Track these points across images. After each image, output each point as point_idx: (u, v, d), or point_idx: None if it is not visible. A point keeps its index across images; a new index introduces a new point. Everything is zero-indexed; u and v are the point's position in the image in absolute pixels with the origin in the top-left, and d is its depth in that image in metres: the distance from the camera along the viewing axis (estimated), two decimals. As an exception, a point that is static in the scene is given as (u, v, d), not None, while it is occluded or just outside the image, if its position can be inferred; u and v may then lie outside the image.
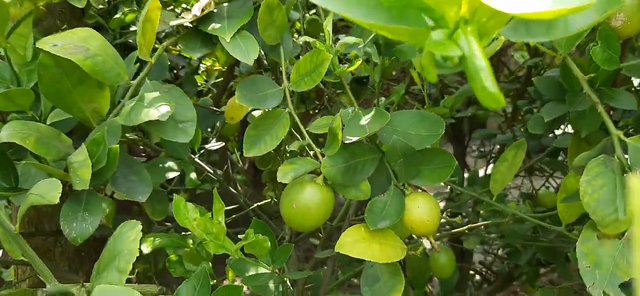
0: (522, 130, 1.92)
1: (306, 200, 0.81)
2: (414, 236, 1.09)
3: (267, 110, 0.85)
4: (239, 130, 1.47)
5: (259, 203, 1.44)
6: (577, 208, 0.98)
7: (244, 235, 0.79)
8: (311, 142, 0.83)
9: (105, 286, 0.68)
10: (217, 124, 1.32)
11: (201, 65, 2.35)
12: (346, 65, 0.83)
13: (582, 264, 0.68)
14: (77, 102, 0.77)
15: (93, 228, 0.75)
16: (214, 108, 1.31)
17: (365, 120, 0.83)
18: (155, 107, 0.75)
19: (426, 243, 0.90)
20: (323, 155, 0.83)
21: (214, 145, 1.24)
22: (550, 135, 2.11)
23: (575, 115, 1.00)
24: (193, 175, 1.09)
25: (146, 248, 0.92)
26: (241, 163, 1.91)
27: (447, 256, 1.38)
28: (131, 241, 0.70)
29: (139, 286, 0.82)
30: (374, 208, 0.83)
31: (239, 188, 1.73)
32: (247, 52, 0.78)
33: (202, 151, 1.25)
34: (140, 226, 0.69)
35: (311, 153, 0.86)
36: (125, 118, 0.76)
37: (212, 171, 1.75)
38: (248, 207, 1.53)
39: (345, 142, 0.80)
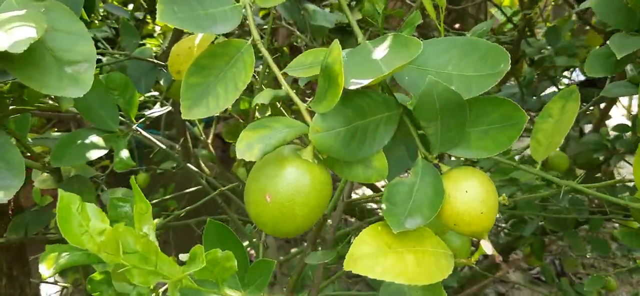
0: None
1: (287, 187, 0.47)
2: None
3: (216, 40, 0.50)
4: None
5: (227, 187, 1.09)
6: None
7: (188, 255, 0.44)
8: (291, 92, 0.48)
9: None
10: (162, 82, 0.97)
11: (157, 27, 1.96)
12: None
13: None
14: None
15: None
16: (156, 62, 0.95)
17: (378, 53, 0.49)
18: (5, 30, 0.39)
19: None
20: (311, 114, 0.48)
21: (156, 111, 0.89)
22: (548, 91, 1.81)
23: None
24: (125, 154, 0.73)
25: (47, 270, 0.57)
26: (204, 136, 1.55)
27: (461, 239, 1.06)
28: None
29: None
30: (394, 197, 0.49)
31: (203, 166, 1.38)
32: None
33: (142, 119, 0.89)
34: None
35: (303, 110, 0.51)
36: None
37: (166, 146, 1.39)
38: (214, 189, 1.17)
39: (350, 88, 0.45)
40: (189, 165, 1.31)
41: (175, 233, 1.83)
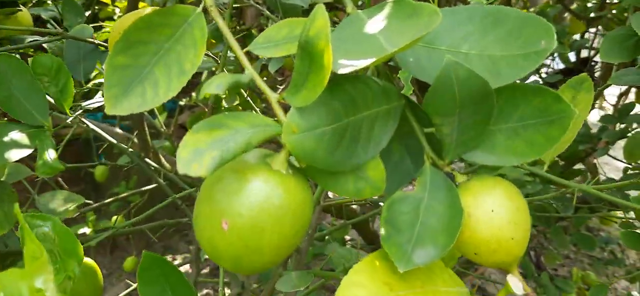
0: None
1: (252, 209, 0.33)
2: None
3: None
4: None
5: (184, 193, 0.94)
6: None
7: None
8: (257, 77, 0.34)
9: None
10: (104, 67, 0.81)
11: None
12: None
13: None
14: None
15: None
16: (98, 42, 0.80)
17: (375, 25, 0.35)
18: None
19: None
20: (286, 108, 0.34)
21: (97, 100, 0.74)
22: (531, 79, 1.71)
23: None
24: (51, 155, 0.58)
25: None
26: (165, 128, 1.39)
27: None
28: None
29: None
30: (397, 219, 0.36)
31: (163, 161, 1.23)
32: None
33: (80, 111, 0.74)
34: None
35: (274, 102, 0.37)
36: None
37: (123, 138, 1.24)
38: (174, 190, 1.03)
39: (339, 72, 0.32)
40: (147, 159, 1.16)
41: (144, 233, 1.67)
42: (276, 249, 0.34)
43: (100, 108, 1.77)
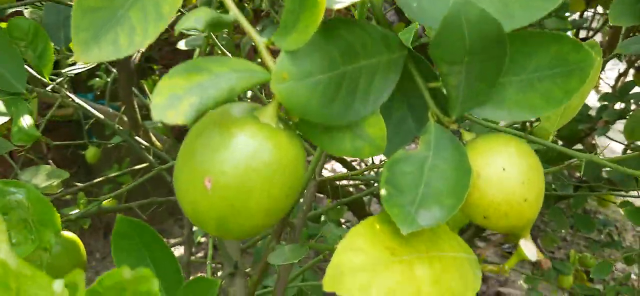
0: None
1: (238, 166, 0.30)
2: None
3: None
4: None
5: (170, 163, 0.90)
6: None
7: (64, 281, 0.27)
8: (241, 17, 0.30)
9: None
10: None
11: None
12: None
13: None
14: None
15: None
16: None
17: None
18: None
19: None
20: (274, 54, 0.31)
21: (78, 67, 0.70)
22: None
23: None
24: (26, 122, 0.54)
25: None
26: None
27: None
28: None
29: None
30: (398, 179, 0.33)
31: (154, 139, 1.19)
32: None
33: (60, 79, 0.70)
34: None
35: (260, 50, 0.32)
36: None
37: (114, 117, 1.20)
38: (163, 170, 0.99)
39: (336, 7, 0.28)
40: (137, 138, 1.12)
41: (132, 213, 1.63)
42: (265, 211, 0.31)
43: (91, 88, 1.70)
